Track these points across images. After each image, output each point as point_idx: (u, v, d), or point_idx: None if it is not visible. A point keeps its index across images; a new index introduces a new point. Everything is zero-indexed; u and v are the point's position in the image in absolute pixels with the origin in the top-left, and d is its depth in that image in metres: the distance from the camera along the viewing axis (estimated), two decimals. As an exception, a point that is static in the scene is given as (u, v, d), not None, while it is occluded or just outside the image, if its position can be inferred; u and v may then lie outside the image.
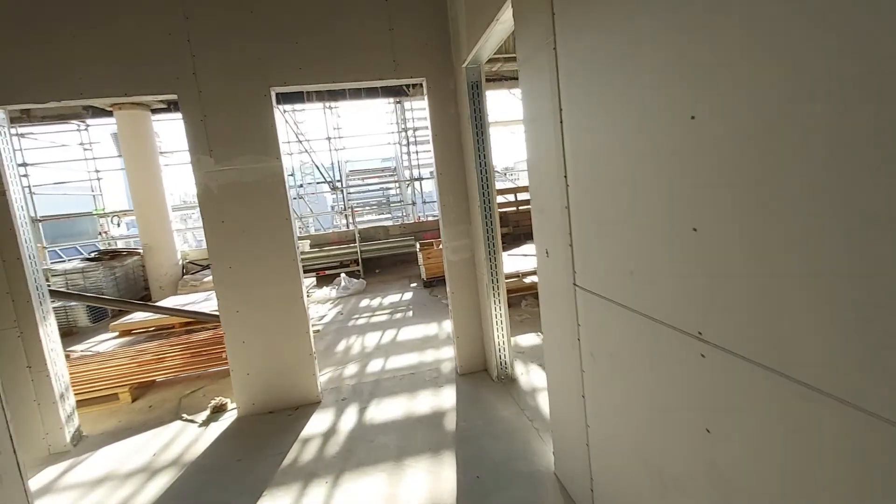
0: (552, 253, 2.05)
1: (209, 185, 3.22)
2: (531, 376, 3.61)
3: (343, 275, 7.71)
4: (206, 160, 3.20)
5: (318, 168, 11.81)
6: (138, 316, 5.95)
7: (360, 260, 8.70)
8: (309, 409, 3.46)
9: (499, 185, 13.64)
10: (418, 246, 8.01)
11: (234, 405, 3.56)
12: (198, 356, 4.31)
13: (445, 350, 4.39)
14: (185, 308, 5.71)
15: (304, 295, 3.47)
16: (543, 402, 3.17)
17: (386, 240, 9.27)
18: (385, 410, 3.31)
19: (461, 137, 3.56)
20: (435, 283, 7.26)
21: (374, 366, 4.18)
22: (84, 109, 8.62)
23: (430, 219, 12.14)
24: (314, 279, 7.37)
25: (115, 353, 4.59)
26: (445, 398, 3.40)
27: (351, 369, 4.16)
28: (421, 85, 9.15)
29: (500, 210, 10.37)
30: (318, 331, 5.29)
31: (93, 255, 8.19)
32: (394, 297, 6.89)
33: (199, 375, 4.23)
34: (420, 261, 7.44)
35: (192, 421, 3.48)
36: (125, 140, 8.09)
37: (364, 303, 6.77)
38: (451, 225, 3.62)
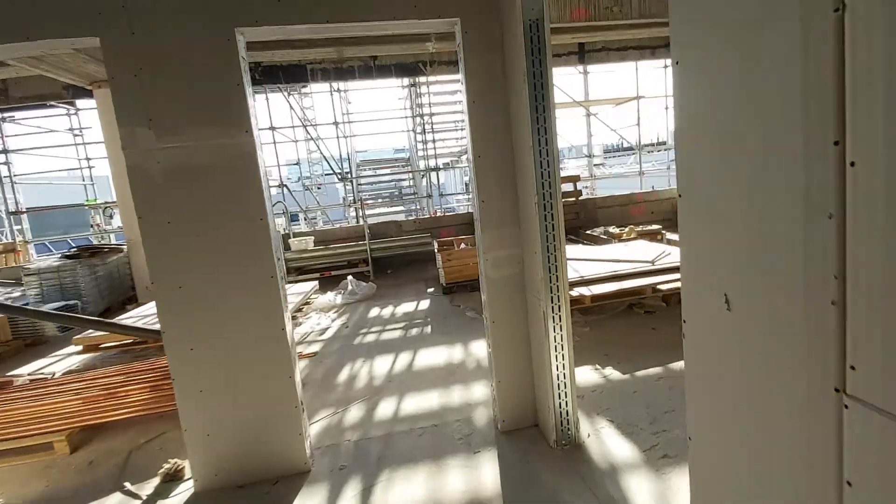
0: (757, 308, 1.01)
1: (148, 171, 2.25)
2: (604, 441, 2.59)
3: (350, 277, 6.75)
4: (144, 134, 2.22)
5: (325, 158, 10.84)
6: (109, 327, 5.05)
7: (370, 259, 7.74)
8: (295, 481, 2.49)
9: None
10: (436, 246, 7.00)
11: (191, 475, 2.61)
12: (160, 390, 3.37)
13: (477, 388, 3.38)
14: (138, 325, 4.78)
15: (288, 325, 2.49)
16: (633, 491, 2.15)
17: (399, 237, 8.28)
18: (400, 492, 2.33)
19: (510, 106, 2.52)
20: (455, 289, 6.26)
21: (385, 409, 3.20)
22: (64, 90, 7.75)
23: (447, 214, 11.12)
24: (316, 283, 6.43)
25: (60, 381, 3.68)
26: (485, 474, 2.40)
27: (354, 414, 3.18)
28: (436, 63, 7.91)
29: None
30: (315, 353, 4.32)
31: (72, 251, 7.35)
32: (408, 306, 5.90)
33: (160, 415, 3.30)
34: (439, 263, 6.43)
35: (135, 495, 2.54)
36: (107, 122, 7.19)
37: (374, 312, 5.80)
38: (491, 228, 2.60)
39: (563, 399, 2.52)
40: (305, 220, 10.90)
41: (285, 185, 9.11)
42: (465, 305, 5.60)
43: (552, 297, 2.41)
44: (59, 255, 7.31)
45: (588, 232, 8.31)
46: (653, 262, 4.91)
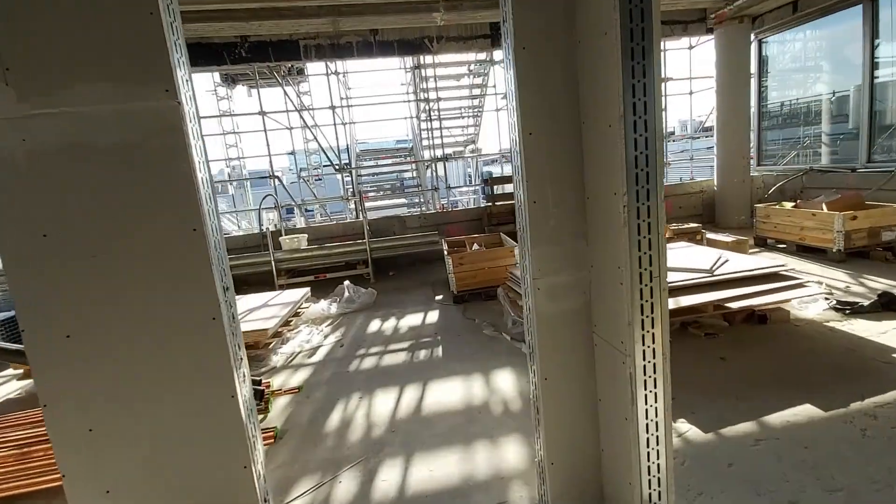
0: None
1: (6, 153, 1.40)
2: (709, 557, 1.76)
3: (347, 283, 5.91)
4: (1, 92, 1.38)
5: (322, 148, 9.95)
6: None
7: (370, 260, 6.89)
8: None
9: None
10: (446, 247, 6.15)
11: None
12: (28, 460, 2.51)
13: (509, 447, 2.55)
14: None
15: (242, 388, 1.65)
16: None
17: (403, 235, 7.43)
18: None
19: (581, 56, 1.66)
20: (468, 297, 5.42)
21: (386, 482, 2.37)
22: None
23: (455, 209, 10.28)
24: (308, 290, 5.60)
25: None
26: None
27: (344, 488, 2.36)
28: (444, 38, 7.04)
29: (505, 202, 8.46)
30: (299, 388, 3.48)
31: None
32: (414, 318, 5.07)
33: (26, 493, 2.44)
34: (449, 267, 5.59)
35: None
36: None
37: (374, 325, 4.97)
38: (545, 243, 1.75)
39: (654, 491, 1.69)
40: (302, 215, 10.06)
41: (276, 177, 8.25)
42: (480, 319, 4.76)
43: (645, 351, 1.57)
44: None
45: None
46: (711, 272, 4.06)
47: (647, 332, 1.57)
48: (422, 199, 12.14)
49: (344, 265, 6.95)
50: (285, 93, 9.77)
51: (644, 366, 1.58)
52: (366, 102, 11.46)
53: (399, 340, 4.44)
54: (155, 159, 1.46)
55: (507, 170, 14.24)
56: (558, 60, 1.66)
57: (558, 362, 1.81)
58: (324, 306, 5.49)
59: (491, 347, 4.02)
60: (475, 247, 6.05)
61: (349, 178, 11.30)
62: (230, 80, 13.25)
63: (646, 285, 1.54)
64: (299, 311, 5.21)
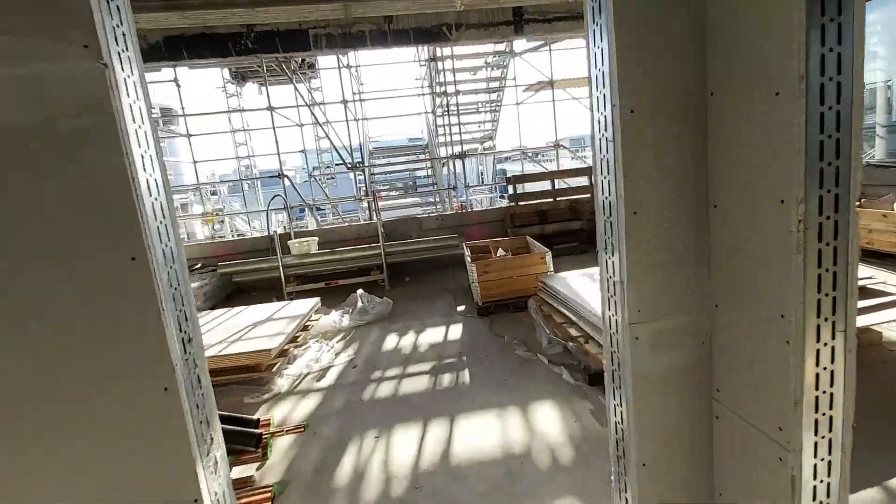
0: None
1: None
2: None
3: (360, 292, 5.41)
4: None
5: (333, 146, 9.49)
6: None
7: (384, 265, 6.39)
8: None
9: (552, 166, 11.01)
10: (468, 252, 5.61)
11: None
12: None
13: (564, 517, 2.02)
14: None
15: (207, 490, 1.13)
16: None
17: (420, 238, 6.90)
18: None
19: (707, 3, 1.11)
20: (493, 308, 4.89)
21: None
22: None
23: (476, 208, 9.75)
24: (318, 301, 5.11)
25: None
26: None
27: (360, 572, 1.85)
28: (463, 26, 6.50)
29: (568, 197, 7.88)
30: (304, 427, 2.96)
31: None
32: (435, 333, 4.55)
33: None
34: (472, 276, 5.06)
35: None
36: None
37: (390, 341, 4.47)
38: (647, 271, 1.20)
39: None
40: (313, 215, 9.61)
41: (286, 176, 7.80)
42: (510, 335, 4.22)
43: (818, 444, 1.02)
44: None
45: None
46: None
47: (824, 414, 1.01)
48: (437, 199, 11.61)
49: (357, 271, 6.46)
50: (296, 88, 9.32)
51: (815, 466, 1.03)
52: (379, 97, 10.97)
53: (419, 361, 3.93)
54: (69, 150, 0.95)
55: (528, 168, 13.63)
56: (685, 7, 1.11)
57: (662, 441, 1.27)
58: (335, 318, 5.00)
59: (526, 372, 3.48)
60: (500, 252, 5.51)
61: (362, 178, 10.84)
62: (240, 78, 12.88)
63: (825, 344, 0.99)
64: (308, 324, 4.73)
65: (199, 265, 6.86)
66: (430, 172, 12.81)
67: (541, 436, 2.64)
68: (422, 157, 13.61)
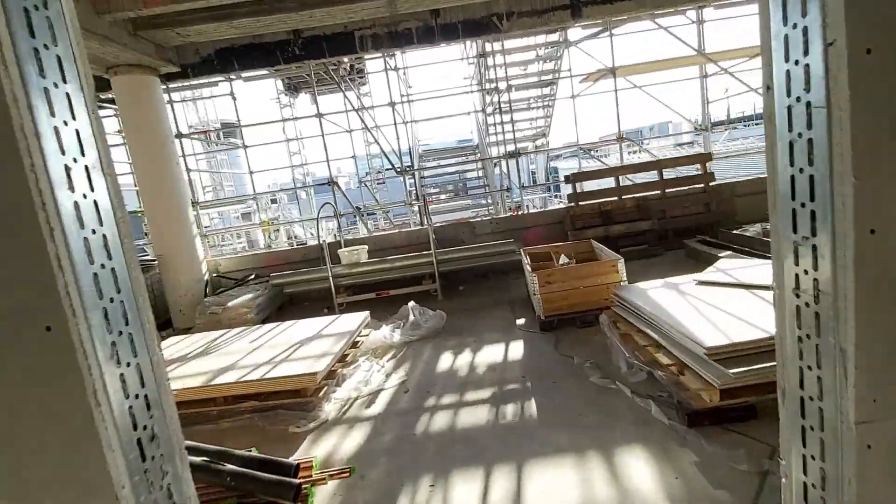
0: None
1: None
2: None
3: (412, 304, 5.07)
4: None
5: (382, 150, 9.29)
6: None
7: (437, 274, 6.02)
8: None
9: (604, 163, 10.17)
10: (527, 260, 5.11)
11: None
12: None
13: None
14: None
15: None
16: None
17: (473, 244, 6.47)
18: None
19: None
20: (557, 323, 4.36)
21: None
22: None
23: (530, 210, 9.19)
24: (367, 315, 4.81)
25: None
26: None
27: None
28: (515, 14, 6.06)
29: (634, 195, 7.13)
30: (349, 471, 2.60)
31: (97, 270, 6.39)
32: (494, 352, 4.11)
33: None
34: (533, 287, 4.55)
35: None
36: (128, 115, 6.09)
37: (444, 360, 4.07)
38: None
39: None
40: (362, 221, 9.46)
41: (335, 182, 7.67)
42: (580, 357, 3.68)
43: None
44: None
45: (734, 232, 5.98)
46: None
47: None
48: (489, 202, 11.14)
49: (408, 280, 6.14)
50: (344, 95, 9.23)
51: None
52: (427, 97, 10.70)
53: (477, 386, 3.49)
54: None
55: (585, 165, 12.82)
56: None
57: None
58: (385, 333, 4.68)
59: (605, 405, 2.94)
60: (563, 259, 4.96)
61: (412, 181, 10.59)
62: (293, 89, 13.12)
63: None
64: (357, 339, 4.44)
65: (252, 276, 6.85)
66: (480, 174, 12.36)
67: (633, 497, 2.12)
68: (471, 157, 13.19)
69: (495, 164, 11.21)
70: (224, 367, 3.68)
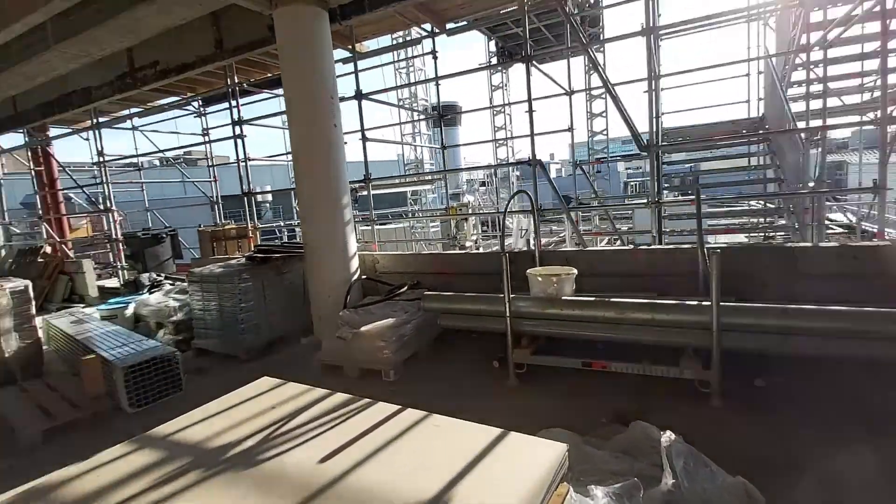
0: None
1: None
2: None
3: (666, 438, 2.22)
4: None
5: (625, 119, 6.30)
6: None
7: (715, 350, 2.96)
8: None
9: None
10: None
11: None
12: None
13: None
14: None
15: None
16: None
17: (795, 293, 3.09)
18: None
19: None
20: None
21: None
22: (268, 28, 5.89)
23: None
24: (563, 453, 2.20)
25: None
26: None
27: None
28: None
29: None
30: None
31: (248, 254, 5.46)
32: None
33: None
34: None
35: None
36: (287, 64, 4.79)
37: None
38: None
39: None
40: (568, 221, 6.71)
41: (538, 162, 5.17)
42: None
43: None
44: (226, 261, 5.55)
45: None
46: None
47: None
48: (784, 207, 6.92)
49: (650, 348, 3.26)
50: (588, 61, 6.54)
51: None
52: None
53: None
54: None
55: None
56: None
57: None
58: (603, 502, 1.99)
59: None
60: None
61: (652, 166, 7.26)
62: (506, 55, 11.06)
63: None
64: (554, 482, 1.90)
65: (412, 283, 5.00)
66: (765, 160, 8.00)
67: None
68: (753, 137, 8.79)
69: (801, 150, 6.86)
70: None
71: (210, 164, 9.10)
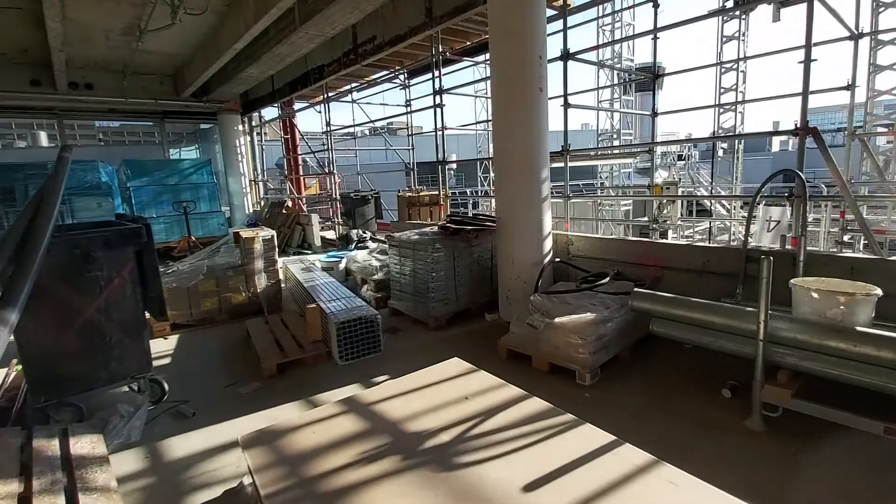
0: None
1: None
2: None
3: None
4: None
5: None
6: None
7: None
8: None
9: None
10: None
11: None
12: None
13: None
14: None
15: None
16: None
17: None
18: None
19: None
20: None
21: None
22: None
23: None
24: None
25: None
26: None
27: None
28: None
29: None
30: None
31: (442, 223, 5.51)
32: None
33: None
34: None
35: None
36: (498, 19, 4.45)
37: None
38: None
39: None
40: (855, 212, 4.96)
41: (811, 130, 3.81)
42: None
43: None
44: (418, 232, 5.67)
45: None
46: None
47: None
48: None
49: None
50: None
51: None
52: None
53: None
54: None
55: None
56: None
57: None
58: None
59: None
60: None
61: None
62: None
63: None
64: None
65: (613, 273, 4.36)
66: None
67: None
68: None
69: None
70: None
71: (409, 132, 9.70)
